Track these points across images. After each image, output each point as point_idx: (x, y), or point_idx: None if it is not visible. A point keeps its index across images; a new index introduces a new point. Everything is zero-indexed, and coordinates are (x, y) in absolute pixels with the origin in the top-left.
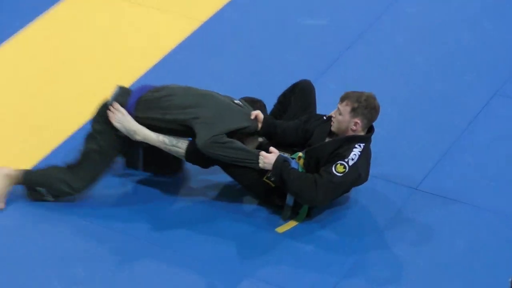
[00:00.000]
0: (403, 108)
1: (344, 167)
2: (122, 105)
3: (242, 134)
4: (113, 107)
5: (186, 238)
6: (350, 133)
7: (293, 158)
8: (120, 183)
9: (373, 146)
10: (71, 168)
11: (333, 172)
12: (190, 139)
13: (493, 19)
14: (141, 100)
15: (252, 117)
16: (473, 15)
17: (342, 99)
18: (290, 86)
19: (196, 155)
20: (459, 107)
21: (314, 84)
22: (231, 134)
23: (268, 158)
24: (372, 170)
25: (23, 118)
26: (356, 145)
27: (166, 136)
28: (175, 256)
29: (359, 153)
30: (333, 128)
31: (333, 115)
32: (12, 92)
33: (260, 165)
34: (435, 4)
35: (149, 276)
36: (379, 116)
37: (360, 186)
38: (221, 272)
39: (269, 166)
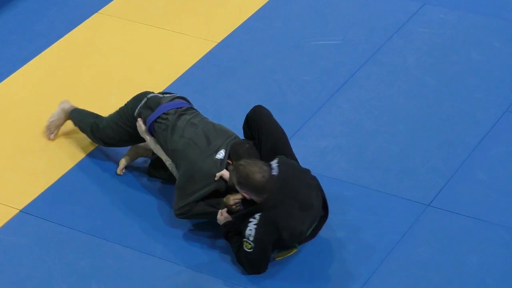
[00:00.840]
0: (415, 126)
1: (249, 243)
2: (144, 119)
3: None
4: (137, 121)
5: (200, 254)
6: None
7: None
8: (130, 196)
9: (386, 162)
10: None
11: (245, 251)
12: None
13: (503, 39)
14: (157, 120)
15: (216, 178)
16: (482, 35)
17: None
18: (244, 120)
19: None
20: (470, 124)
21: (327, 103)
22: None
23: (219, 220)
24: (385, 187)
25: (38, 140)
26: (251, 219)
27: (171, 164)
28: (189, 273)
29: (255, 226)
30: None
31: None
32: (34, 110)
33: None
34: (445, 25)
35: None
36: (391, 133)
37: (373, 203)
38: None
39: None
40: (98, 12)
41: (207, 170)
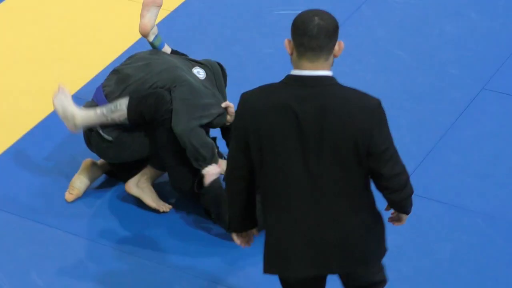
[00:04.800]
0: (385, 104)
1: None
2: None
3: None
4: (59, 87)
5: (151, 245)
6: None
7: None
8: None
9: None
10: None
11: None
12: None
13: (480, 9)
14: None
15: (223, 105)
16: (458, 5)
17: None
18: None
19: (137, 110)
20: (444, 103)
21: None
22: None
23: (208, 176)
24: None
25: None
26: None
27: (104, 107)
28: (141, 262)
29: None
30: None
31: None
32: None
33: (203, 171)
34: None
35: (114, 280)
36: None
37: None
38: (188, 279)
39: (205, 180)
40: None
41: (207, 89)
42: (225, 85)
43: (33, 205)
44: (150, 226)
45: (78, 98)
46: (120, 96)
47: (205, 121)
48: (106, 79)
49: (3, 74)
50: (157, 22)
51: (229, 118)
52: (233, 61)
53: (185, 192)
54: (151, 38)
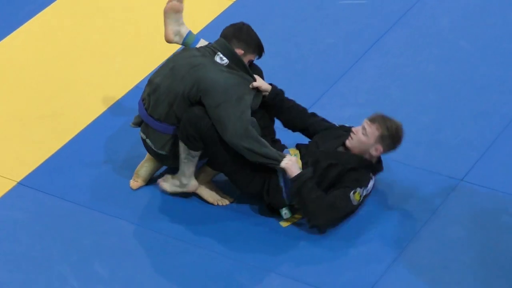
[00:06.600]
0: (447, 95)
1: (360, 197)
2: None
3: None
4: None
5: (205, 230)
6: (367, 155)
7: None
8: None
9: (415, 134)
10: None
11: (351, 199)
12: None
13: None
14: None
15: (252, 86)
16: None
17: (373, 121)
18: None
19: (189, 143)
20: (508, 94)
21: (352, 69)
22: None
23: (291, 168)
24: (414, 160)
25: (38, 107)
26: (372, 176)
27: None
28: (196, 251)
29: (372, 186)
30: (349, 143)
31: (355, 132)
32: (32, 75)
33: (282, 165)
34: None
35: (177, 271)
36: (421, 103)
37: (401, 177)
38: (248, 269)
39: (289, 173)
40: None
41: (233, 74)
42: (251, 47)
43: (97, 195)
44: (211, 216)
45: (139, 89)
46: (154, 107)
47: (248, 112)
48: (143, 91)
49: (66, 67)
50: (219, 12)
51: (264, 92)
52: (295, 52)
53: (254, 195)
54: (179, 41)
